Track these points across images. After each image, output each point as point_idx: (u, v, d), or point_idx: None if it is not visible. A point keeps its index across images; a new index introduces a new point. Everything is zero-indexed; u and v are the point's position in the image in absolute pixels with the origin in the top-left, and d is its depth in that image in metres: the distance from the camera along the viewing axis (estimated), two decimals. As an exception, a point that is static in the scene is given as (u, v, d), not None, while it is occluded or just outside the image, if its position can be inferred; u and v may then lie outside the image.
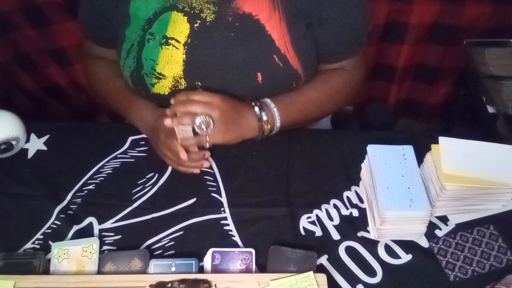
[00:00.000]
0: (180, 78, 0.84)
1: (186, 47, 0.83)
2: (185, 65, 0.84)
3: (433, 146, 0.77)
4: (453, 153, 0.75)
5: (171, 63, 0.84)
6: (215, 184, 0.86)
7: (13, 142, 0.89)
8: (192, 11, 0.82)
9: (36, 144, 0.93)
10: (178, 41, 0.83)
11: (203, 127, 0.78)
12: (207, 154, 0.87)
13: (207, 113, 0.78)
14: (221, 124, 0.79)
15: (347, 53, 0.93)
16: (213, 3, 0.81)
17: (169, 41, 0.82)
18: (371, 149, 0.80)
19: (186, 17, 0.82)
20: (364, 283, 0.73)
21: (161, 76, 0.84)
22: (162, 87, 0.86)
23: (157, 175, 0.88)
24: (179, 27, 0.82)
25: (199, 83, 0.85)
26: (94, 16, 0.90)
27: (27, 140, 0.93)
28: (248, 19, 0.82)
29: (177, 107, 0.79)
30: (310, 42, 0.88)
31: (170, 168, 0.88)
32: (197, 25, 0.82)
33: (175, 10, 0.82)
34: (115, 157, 0.91)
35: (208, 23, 0.82)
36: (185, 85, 0.85)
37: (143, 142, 0.93)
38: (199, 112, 0.78)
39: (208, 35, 0.83)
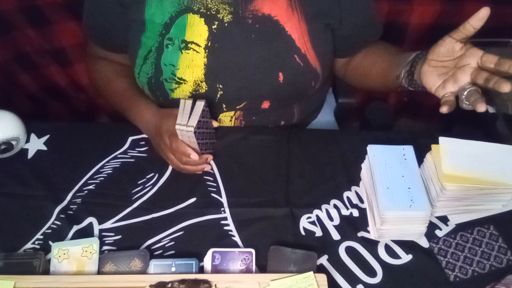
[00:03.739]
0: (201, 82, 0.84)
1: (207, 50, 0.83)
2: (207, 69, 0.83)
3: (433, 146, 0.77)
4: (453, 153, 0.75)
5: (192, 67, 0.83)
6: (215, 184, 0.86)
7: (13, 142, 0.89)
8: (208, 12, 0.81)
9: (36, 144, 0.93)
10: (198, 45, 0.82)
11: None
12: (210, 157, 0.87)
13: None
14: None
15: (373, 37, 0.94)
16: (228, 4, 0.81)
17: (189, 45, 0.82)
18: (371, 149, 0.80)
19: (202, 19, 0.82)
20: (364, 283, 0.73)
21: (182, 81, 0.84)
22: (183, 92, 0.86)
23: (157, 175, 0.88)
24: (197, 30, 0.82)
25: (220, 85, 0.85)
26: (99, 21, 0.90)
27: (27, 140, 0.93)
28: (267, 20, 0.82)
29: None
30: (328, 41, 0.89)
31: (170, 168, 0.88)
32: (215, 26, 0.82)
33: (190, 13, 0.81)
34: (115, 157, 0.91)
35: (226, 24, 0.82)
36: (206, 88, 0.85)
37: (143, 142, 0.93)
38: None
39: (228, 37, 0.82)
